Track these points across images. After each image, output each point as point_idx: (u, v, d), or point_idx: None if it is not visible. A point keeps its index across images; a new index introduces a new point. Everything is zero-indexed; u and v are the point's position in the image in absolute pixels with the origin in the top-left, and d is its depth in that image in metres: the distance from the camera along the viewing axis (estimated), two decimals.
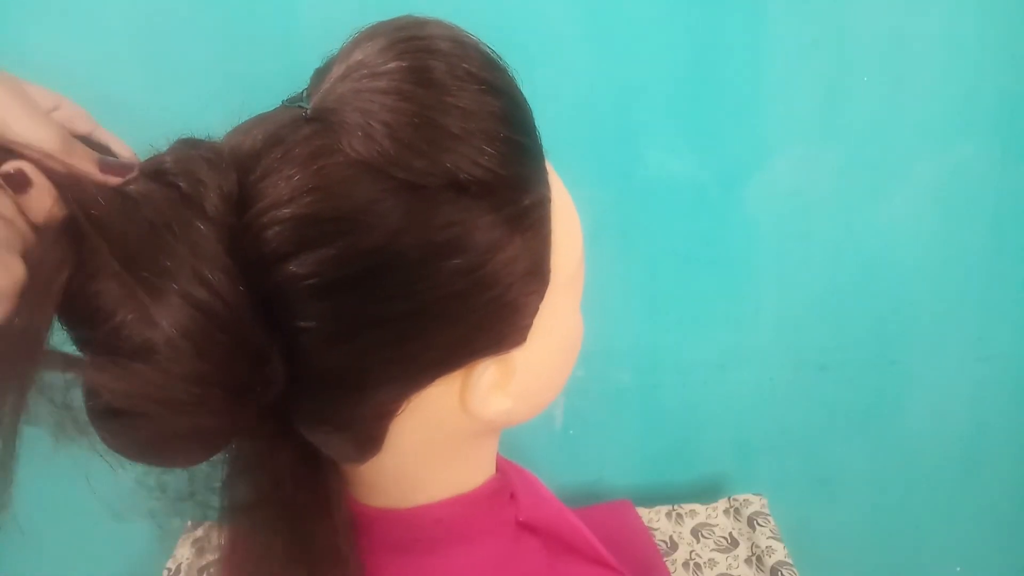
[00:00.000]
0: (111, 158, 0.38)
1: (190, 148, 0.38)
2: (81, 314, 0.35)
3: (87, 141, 0.39)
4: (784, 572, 1.08)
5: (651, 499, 1.23)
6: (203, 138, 0.40)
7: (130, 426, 0.36)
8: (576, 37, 0.99)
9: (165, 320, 0.34)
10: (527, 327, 0.44)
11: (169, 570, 1.09)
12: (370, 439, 0.45)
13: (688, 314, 1.17)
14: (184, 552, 1.12)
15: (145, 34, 0.95)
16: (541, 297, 0.44)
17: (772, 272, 1.15)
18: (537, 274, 0.43)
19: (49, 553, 1.16)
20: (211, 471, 0.43)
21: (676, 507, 1.22)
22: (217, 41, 0.96)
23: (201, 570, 1.11)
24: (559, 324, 0.47)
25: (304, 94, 0.42)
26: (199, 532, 1.15)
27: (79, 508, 1.17)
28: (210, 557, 1.13)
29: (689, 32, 1.00)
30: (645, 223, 1.10)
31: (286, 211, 0.37)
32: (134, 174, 0.37)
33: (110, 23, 0.94)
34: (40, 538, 1.11)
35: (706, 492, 1.27)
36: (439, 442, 0.47)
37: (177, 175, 0.36)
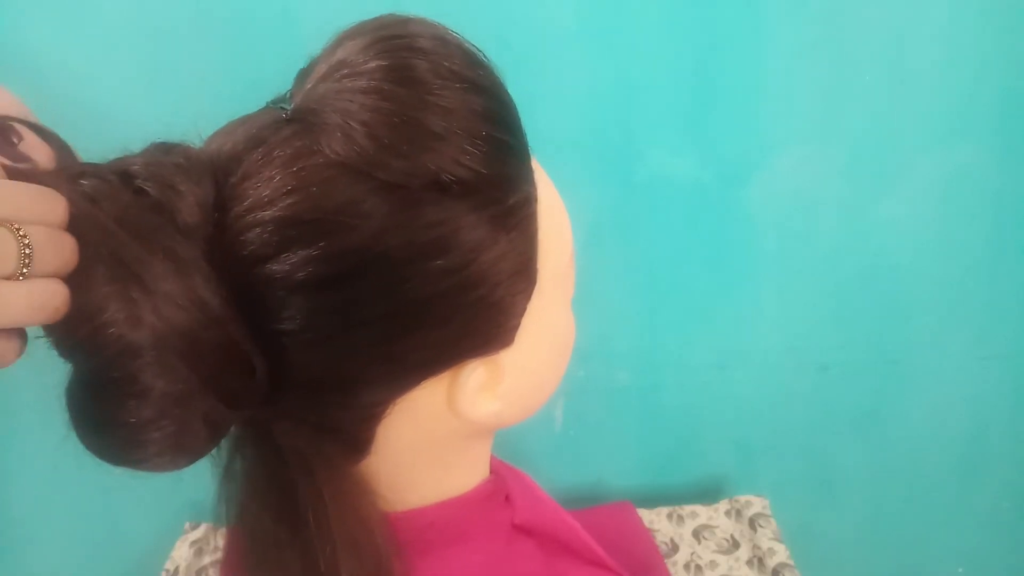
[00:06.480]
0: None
1: (162, 154, 0.38)
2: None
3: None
4: (786, 574, 1.07)
5: (652, 500, 1.23)
6: (178, 142, 0.39)
7: (112, 431, 0.36)
8: (577, 37, 0.99)
9: (150, 322, 0.34)
10: (515, 327, 0.43)
11: (168, 571, 1.09)
12: (358, 442, 0.44)
13: (688, 314, 1.16)
14: (182, 553, 1.12)
15: (145, 34, 0.95)
16: (528, 297, 0.43)
17: (772, 272, 1.15)
18: (524, 273, 0.42)
19: (49, 553, 1.16)
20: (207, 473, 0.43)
21: (677, 508, 1.22)
22: (216, 41, 0.96)
23: (200, 571, 1.11)
24: (548, 324, 0.46)
25: (288, 95, 0.42)
26: (197, 533, 1.15)
27: (78, 508, 1.18)
28: (209, 558, 1.13)
29: (690, 32, 1.00)
30: (645, 223, 1.10)
31: (267, 213, 0.37)
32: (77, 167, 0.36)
33: (110, 23, 0.95)
34: (40, 538, 1.12)
35: (707, 493, 1.26)
36: (429, 444, 0.47)
37: (146, 180, 0.36)
